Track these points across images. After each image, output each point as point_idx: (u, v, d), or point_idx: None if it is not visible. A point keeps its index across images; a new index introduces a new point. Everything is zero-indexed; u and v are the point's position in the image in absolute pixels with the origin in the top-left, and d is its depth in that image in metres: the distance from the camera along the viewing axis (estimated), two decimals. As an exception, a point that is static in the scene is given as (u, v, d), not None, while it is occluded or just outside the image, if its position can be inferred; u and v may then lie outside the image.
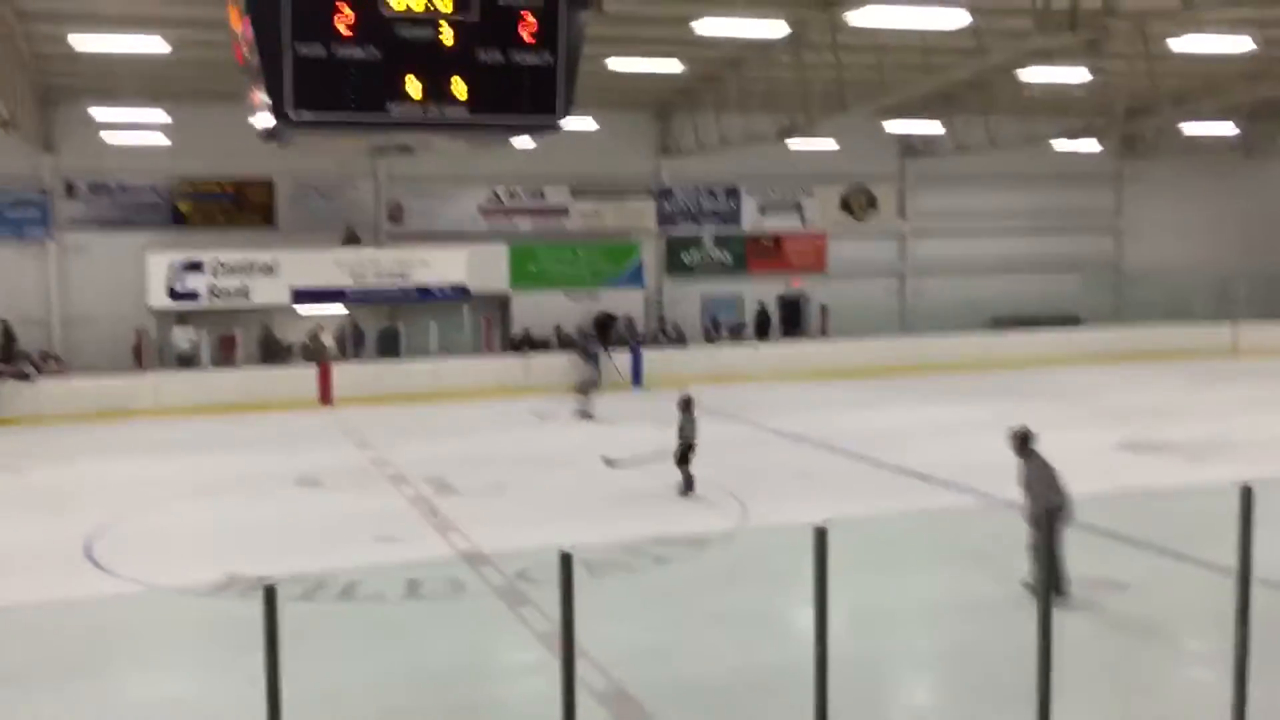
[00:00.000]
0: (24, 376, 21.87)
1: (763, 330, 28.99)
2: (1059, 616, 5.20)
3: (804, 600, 5.17)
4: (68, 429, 20.99)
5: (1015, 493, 12.05)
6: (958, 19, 15.47)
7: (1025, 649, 5.40)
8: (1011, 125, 26.93)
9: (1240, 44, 19.26)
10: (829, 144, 26.81)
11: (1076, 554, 9.50)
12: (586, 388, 21.59)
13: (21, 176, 24.31)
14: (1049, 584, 5.05)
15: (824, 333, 29.57)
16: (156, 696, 8.34)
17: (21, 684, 8.27)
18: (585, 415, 21.03)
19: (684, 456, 14.32)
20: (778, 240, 30.24)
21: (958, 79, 23.10)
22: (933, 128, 28.19)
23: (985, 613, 9.57)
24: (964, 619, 9.57)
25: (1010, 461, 10.06)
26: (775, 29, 18.35)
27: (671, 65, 22.11)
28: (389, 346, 25.83)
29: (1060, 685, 5.24)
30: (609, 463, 14.95)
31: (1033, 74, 21.96)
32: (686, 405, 14.47)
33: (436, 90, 8.76)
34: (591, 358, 24.85)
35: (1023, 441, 10.34)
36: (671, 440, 14.37)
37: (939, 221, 31.54)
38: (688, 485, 14.27)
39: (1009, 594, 9.48)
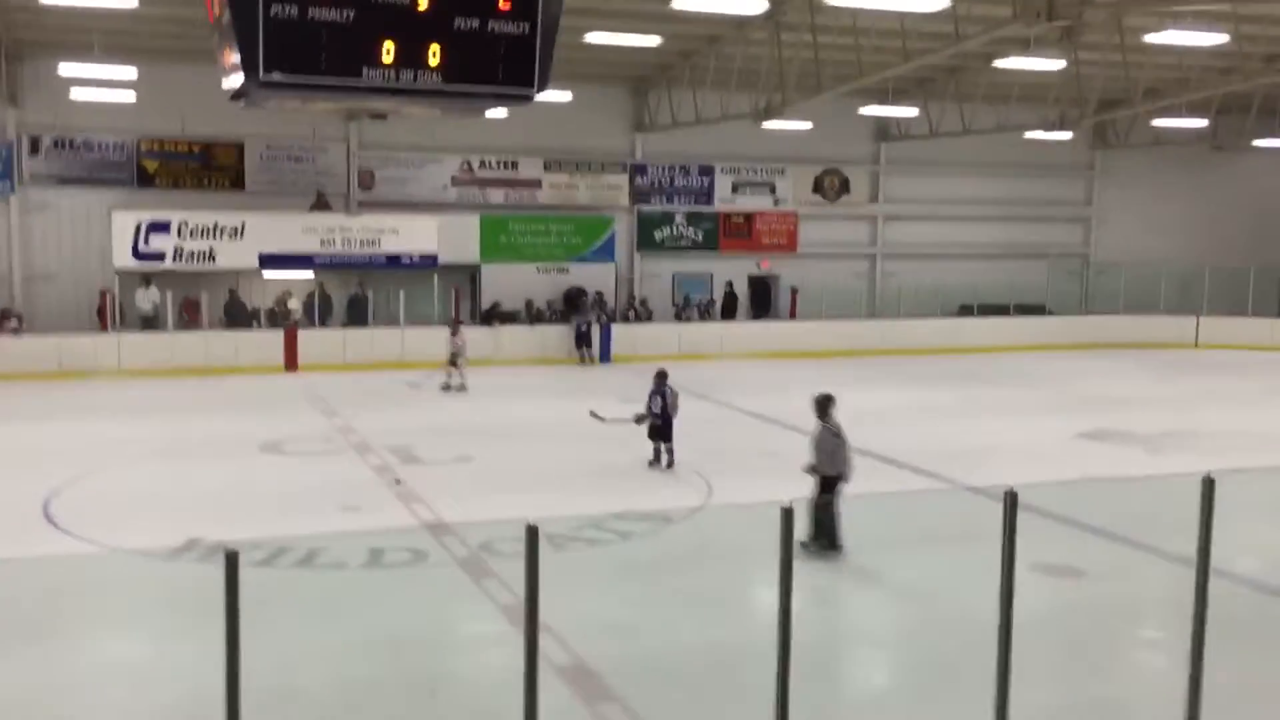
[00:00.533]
0: None
1: (729, 310, 29.00)
2: (1017, 601, 5.24)
3: (767, 580, 5.19)
4: (27, 388, 20.72)
5: (978, 477, 12.15)
6: (936, 2, 15.48)
7: (983, 632, 5.45)
8: (986, 112, 27.02)
9: (1214, 38, 19.41)
10: (804, 125, 26.82)
11: (1035, 540, 9.59)
12: (454, 359, 21.39)
13: (-16, 130, 23.90)
14: (1010, 575, 5.09)
15: (793, 314, 29.64)
16: (113, 659, 8.27)
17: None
18: (450, 388, 21.00)
19: (657, 431, 14.35)
20: (749, 219, 30.24)
21: (934, 64, 23.14)
22: (908, 112, 28.25)
23: (943, 596, 9.67)
24: (921, 602, 9.66)
25: (973, 446, 10.13)
26: (754, 5, 18.30)
27: (650, 40, 22.00)
28: (357, 314, 25.66)
29: (1017, 668, 5.29)
30: (597, 418, 14.99)
31: (1009, 62, 22.04)
32: (661, 380, 14.48)
33: (411, 56, 8.65)
34: (583, 334, 24.96)
35: (823, 406, 11.13)
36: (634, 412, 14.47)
37: (911, 206, 31.65)
38: (659, 458, 14.35)
39: (968, 577, 9.57)
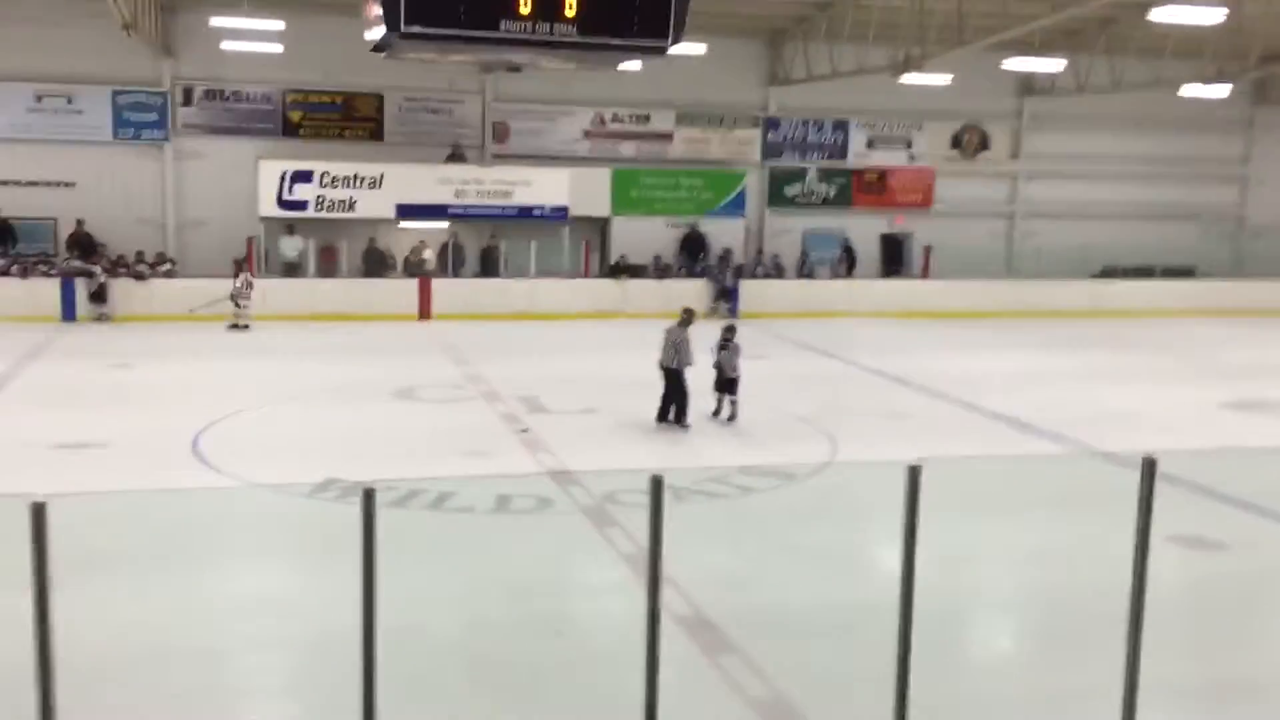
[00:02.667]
0: (89, 274, 22.51)
1: (849, 268, 28.45)
2: (1152, 572, 5.09)
3: (889, 538, 5.15)
4: (179, 328, 21.71)
5: (1115, 444, 11.79)
6: (1089, -49, 14.84)
7: (1114, 602, 5.32)
8: (1138, 66, 25.87)
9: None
10: (943, 79, 26.08)
11: (1173, 510, 9.28)
12: (237, 299, 21.94)
13: (141, 80, 24.88)
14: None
15: (925, 273, 29.04)
16: (252, 591, 8.67)
17: (122, 566, 8.67)
18: (237, 326, 21.72)
19: (723, 385, 14.31)
20: (883, 176, 29.64)
21: (1084, 15, 22.23)
22: (1054, 66, 27.19)
23: (1074, 564, 9.44)
24: (1051, 569, 9.45)
25: (1112, 412, 9.82)
26: (896, -44, 17.83)
27: (787, -9, 21.66)
28: (489, 265, 26.08)
29: (1149, 641, 5.15)
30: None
31: (1164, 13, 21.01)
32: (728, 336, 14.44)
33: (548, 8, 8.69)
34: (721, 287, 25.03)
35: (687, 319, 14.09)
36: (764, 370, 14.38)
37: (1053, 164, 30.56)
38: (722, 413, 14.32)
39: (1101, 546, 9.32)
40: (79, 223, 24.20)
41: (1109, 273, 29.59)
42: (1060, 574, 9.31)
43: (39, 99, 24.40)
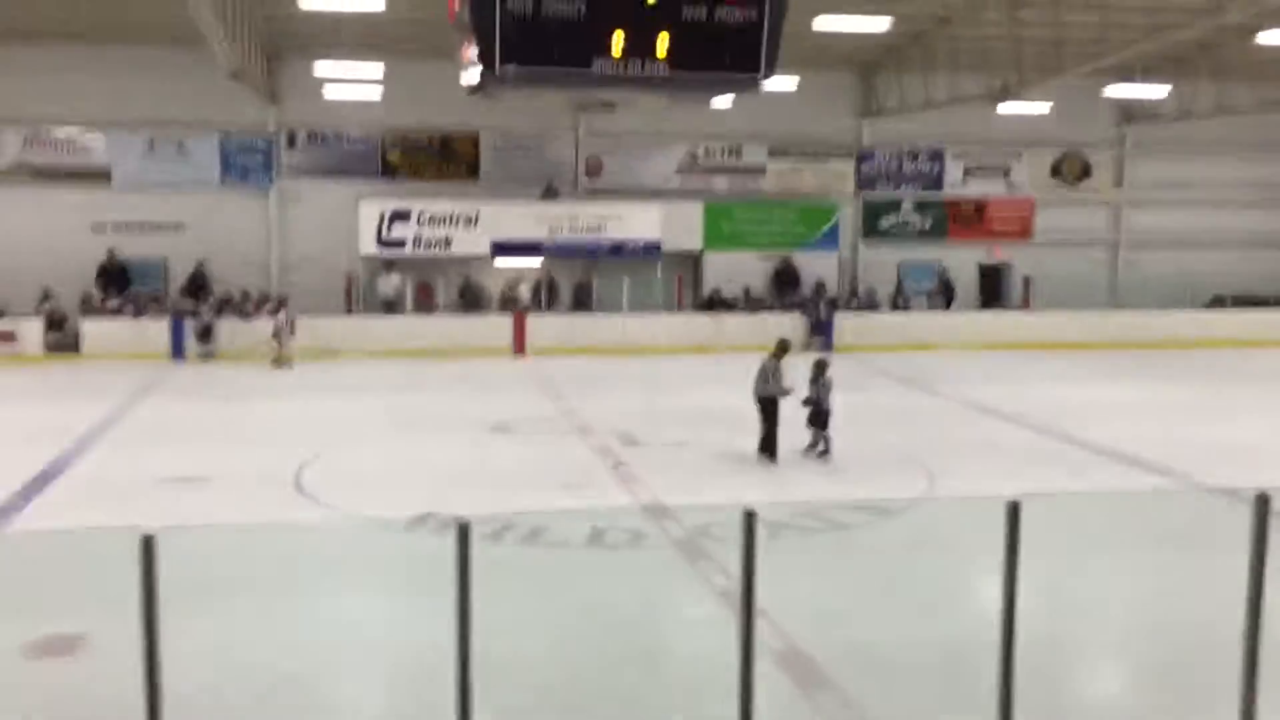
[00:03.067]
0: (196, 314, 23.25)
1: (947, 301, 28.02)
2: (1269, 614, 4.89)
3: (989, 574, 5.03)
4: (283, 366, 22.27)
5: (1227, 479, 11.40)
6: (1191, -26, 14.52)
7: (1226, 645, 5.12)
8: (1244, 91, 25.17)
9: None
10: (1042, 107, 25.66)
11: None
12: (279, 336, 22.23)
13: (249, 126, 25.75)
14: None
15: (1026, 304, 28.48)
16: (350, 619, 8.80)
17: (226, 599, 8.86)
18: (280, 364, 22.05)
19: (815, 419, 14.17)
20: (980, 206, 29.22)
21: (1187, 39, 21.72)
22: (1157, 92, 26.59)
23: (1185, 603, 9.11)
24: (1162, 608, 9.13)
25: (1223, 446, 9.50)
26: (989, -15, 17.65)
27: (879, 24, 21.56)
28: (582, 300, 26.30)
29: (1265, 684, 4.94)
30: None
31: (1271, 36, 20.43)
32: (820, 370, 14.29)
33: (640, 46, 8.82)
34: (814, 320, 24.93)
35: (782, 350, 14.20)
36: (859, 403, 14.22)
37: (1158, 192, 29.80)
38: (816, 448, 14.17)
39: (1213, 584, 8.98)
40: (199, 263, 25.09)
41: (1218, 302, 28.70)
42: (1170, 614, 8.99)
43: (151, 145, 25.39)
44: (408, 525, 10.95)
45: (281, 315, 22.65)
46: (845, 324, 25.85)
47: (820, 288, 26.73)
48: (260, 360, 22.22)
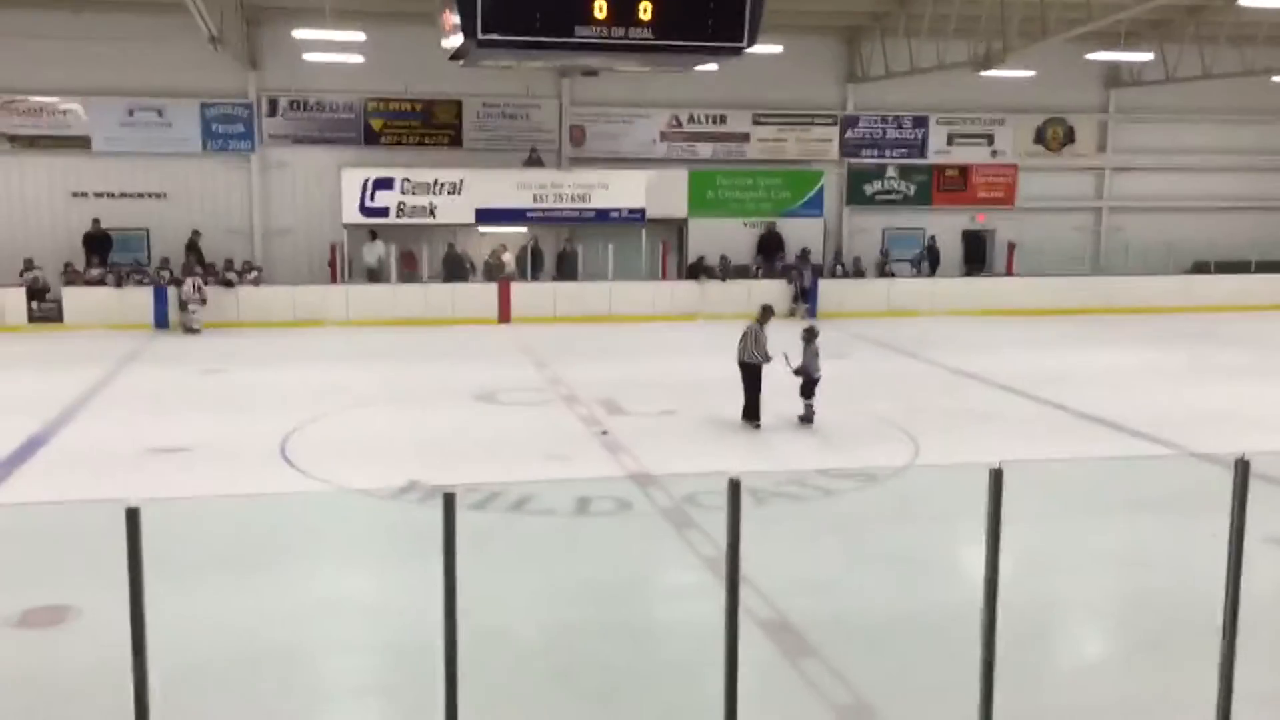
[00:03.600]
0: (178, 283, 23.13)
1: (931, 266, 28.02)
2: (1246, 577, 4.94)
3: (973, 541, 5.07)
4: (266, 334, 22.19)
5: (1207, 444, 11.49)
6: (1176, -62, 14.45)
7: (1206, 607, 5.18)
8: (1230, 55, 25.14)
9: None
10: (1026, 73, 25.59)
11: (1269, 512, 8.99)
12: (187, 304, 22.54)
13: (229, 92, 25.46)
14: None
15: (1010, 270, 28.54)
16: (336, 593, 8.82)
17: (212, 570, 8.86)
18: (190, 329, 22.48)
19: (806, 388, 14.23)
20: (965, 172, 29.19)
21: (1172, 3, 21.67)
22: (1141, 57, 26.52)
23: (1164, 567, 9.20)
24: (1140, 572, 9.23)
25: (1204, 411, 9.57)
26: (975, -51, 17.55)
27: (863, -12, 21.44)
28: (567, 268, 26.23)
29: (1243, 647, 5.00)
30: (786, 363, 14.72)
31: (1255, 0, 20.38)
32: (809, 338, 14.34)
33: (623, 13, 8.74)
34: (799, 287, 24.98)
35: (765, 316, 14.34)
36: (844, 370, 14.26)
37: (1142, 157, 29.81)
38: (807, 417, 14.20)
39: (1193, 548, 9.08)
40: (194, 233, 25.00)
41: (1201, 267, 28.81)
42: (1150, 578, 9.08)
43: (131, 113, 25.11)
44: (393, 495, 10.96)
45: (189, 284, 22.71)
46: (829, 290, 25.87)
47: (804, 254, 26.70)
48: (304, 326, 22.67)
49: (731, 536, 4.57)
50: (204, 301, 22.70)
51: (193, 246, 24.69)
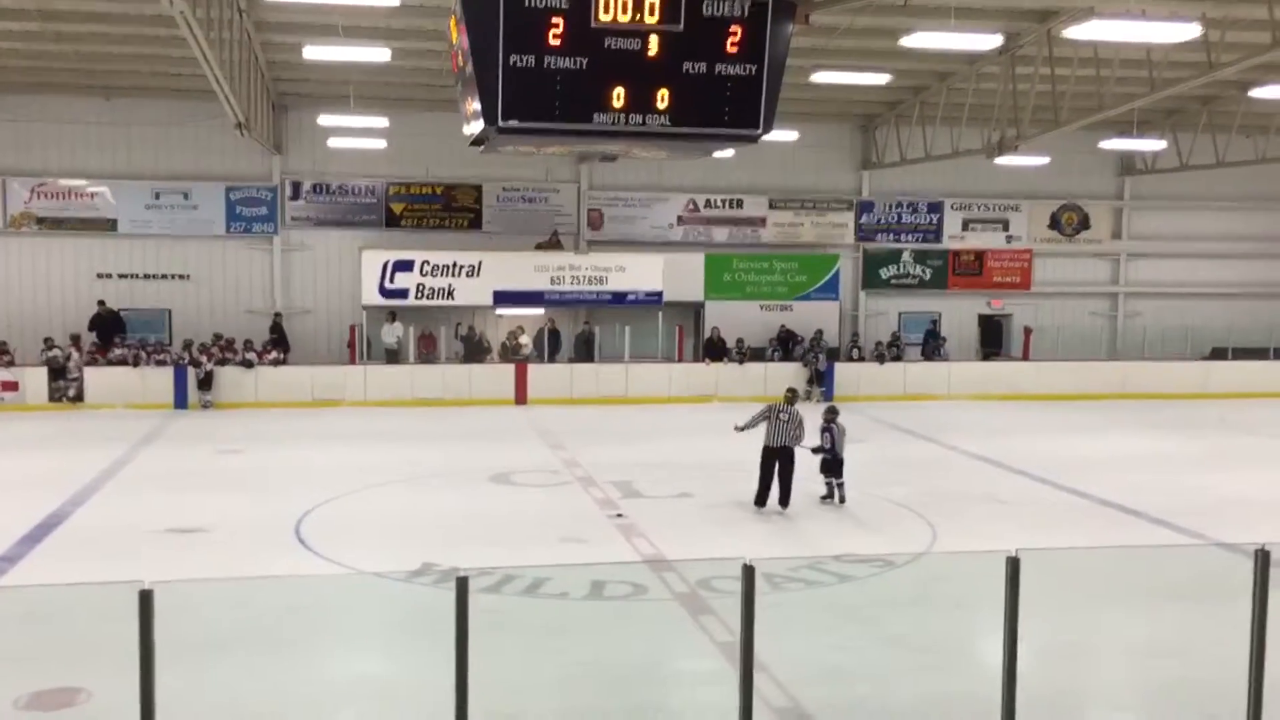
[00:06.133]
0: (197, 364, 23.35)
1: (932, 350, 27.84)
2: (1271, 667, 4.86)
3: (992, 629, 5.01)
4: (285, 414, 22.29)
5: (1227, 533, 11.36)
6: (1186, 31, 14.69)
7: (1230, 697, 5.09)
8: (1242, 143, 25.38)
9: None
10: (1040, 160, 25.85)
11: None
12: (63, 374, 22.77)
13: (253, 176, 25.94)
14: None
15: (1026, 355, 28.50)
16: (349, 676, 8.73)
17: (223, 653, 8.80)
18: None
19: (829, 467, 14.20)
20: (979, 256, 29.34)
21: (1184, 94, 21.93)
22: (1154, 145, 26.78)
23: (1186, 656, 9.04)
24: (1163, 662, 9.06)
25: (1223, 499, 9.48)
26: (988, 41, 17.85)
27: (878, 78, 21.79)
28: (584, 350, 26.34)
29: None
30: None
31: (1267, 91, 20.62)
32: (833, 416, 14.36)
33: (641, 101, 8.92)
34: (814, 371, 25.00)
35: (793, 397, 14.31)
36: (861, 454, 14.22)
37: (1157, 244, 29.95)
38: (831, 493, 14.22)
39: (1215, 638, 8.92)
40: (276, 315, 25.70)
41: (1219, 353, 28.72)
42: (1172, 669, 8.91)
43: (157, 195, 25.56)
44: (407, 577, 10.90)
45: (71, 355, 23.05)
46: (845, 374, 25.86)
47: (818, 337, 26.71)
48: (323, 405, 22.93)
49: (746, 622, 4.53)
50: (79, 373, 23.08)
51: (276, 328, 25.28)
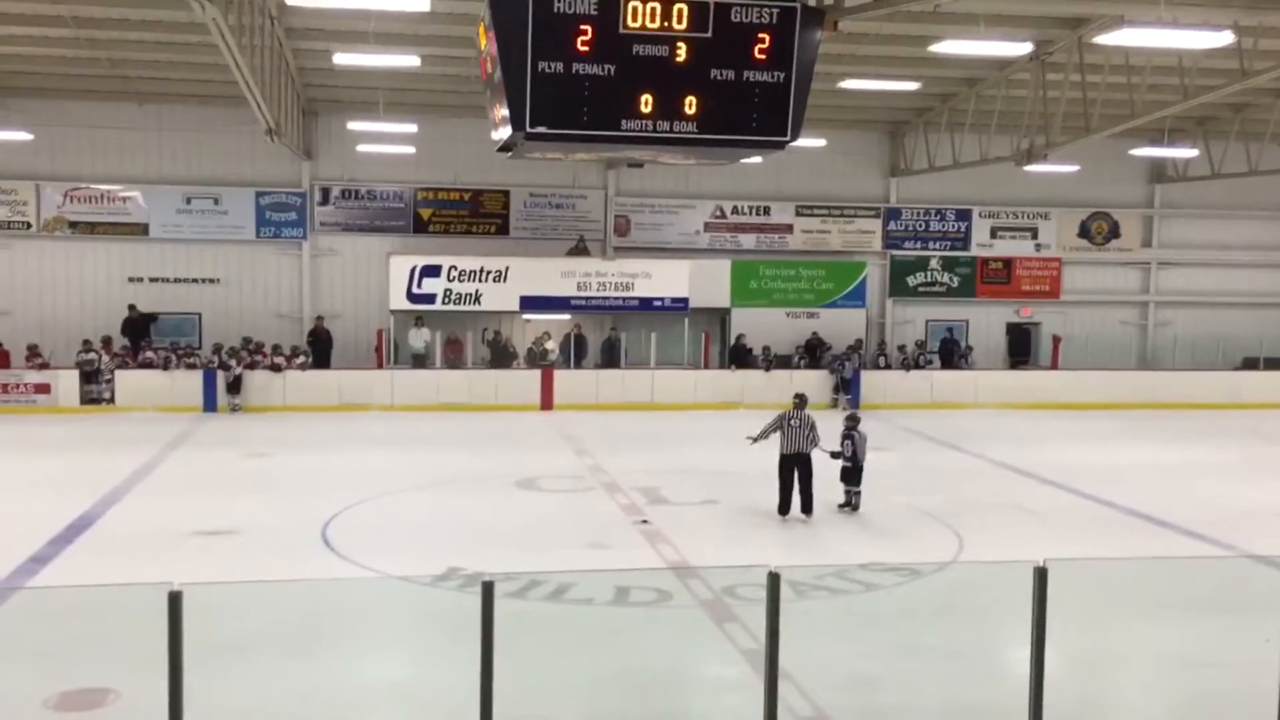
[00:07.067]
0: (225, 367, 23.52)
1: (946, 359, 27.60)
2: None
3: (1018, 639, 4.98)
4: (313, 418, 22.42)
5: (1259, 544, 11.24)
6: (1218, 39, 14.57)
7: (1263, 709, 5.03)
8: (1273, 151, 25.11)
9: None
10: (1070, 168, 25.68)
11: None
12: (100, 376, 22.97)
13: (283, 182, 26.13)
14: None
15: (1055, 363, 28.29)
16: (374, 679, 8.77)
17: (250, 655, 8.86)
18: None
19: (848, 475, 14.17)
20: (1008, 264, 29.17)
21: (1216, 101, 21.75)
22: (1186, 153, 26.54)
23: (1217, 668, 8.94)
24: (1193, 674, 8.97)
25: (1254, 510, 9.38)
26: (1017, 47, 17.76)
27: (907, 85, 21.72)
28: (610, 356, 26.36)
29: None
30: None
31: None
32: (854, 423, 14.37)
33: (669, 107, 8.92)
34: (840, 378, 24.92)
35: (802, 402, 14.20)
36: (887, 463, 14.16)
37: (1188, 252, 29.68)
38: (848, 501, 14.18)
39: (1246, 650, 8.82)
40: (319, 319, 25.69)
41: (1250, 364, 28.43)
42: (1201, 681, 8.82)
43: (188, 200, 25.80)
44: (432, 581, 10.94)
45: (104, 358, 23.26)
46: (873, 382, 25.76)
47: (857, 345, 26.55)
48: (349, 410, 23.06)
49: (770, 630, 4.52)
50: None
51: (317, 333, 25.41)
